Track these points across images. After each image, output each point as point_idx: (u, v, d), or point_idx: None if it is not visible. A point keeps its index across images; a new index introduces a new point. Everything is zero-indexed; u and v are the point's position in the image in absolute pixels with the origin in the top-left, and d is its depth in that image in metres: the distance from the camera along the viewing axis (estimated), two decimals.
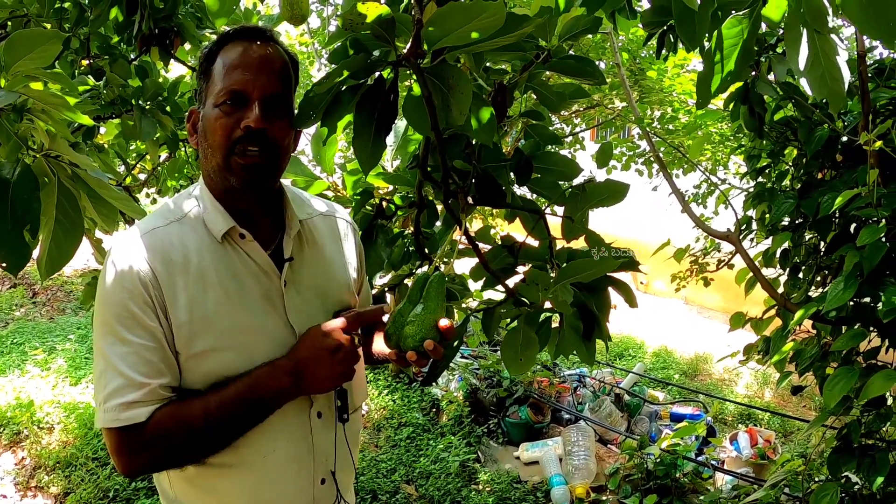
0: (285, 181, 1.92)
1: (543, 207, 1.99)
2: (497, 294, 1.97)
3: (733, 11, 1.57)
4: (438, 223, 2.16)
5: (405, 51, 1.45)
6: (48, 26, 3.21)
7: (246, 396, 1.64)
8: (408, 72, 1.55)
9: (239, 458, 1.73)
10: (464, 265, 2.10)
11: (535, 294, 1.83)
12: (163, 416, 1.62)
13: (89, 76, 3.39)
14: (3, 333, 8.65)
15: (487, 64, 1.99)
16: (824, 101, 1.54)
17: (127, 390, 1.60)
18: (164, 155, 4.33)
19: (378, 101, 1.59)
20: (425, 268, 2.20)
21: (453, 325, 1.67)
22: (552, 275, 1.85)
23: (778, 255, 3.70)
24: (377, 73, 1.57)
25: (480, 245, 1.97)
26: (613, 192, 1.90)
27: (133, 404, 1.60)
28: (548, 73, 2.03)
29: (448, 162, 1.81)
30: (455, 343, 1.91)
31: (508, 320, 1.95)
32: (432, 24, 1.36)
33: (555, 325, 1.96)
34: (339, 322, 1.70)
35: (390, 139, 2.14)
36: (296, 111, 1.68)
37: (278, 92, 1.69)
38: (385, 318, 1.81)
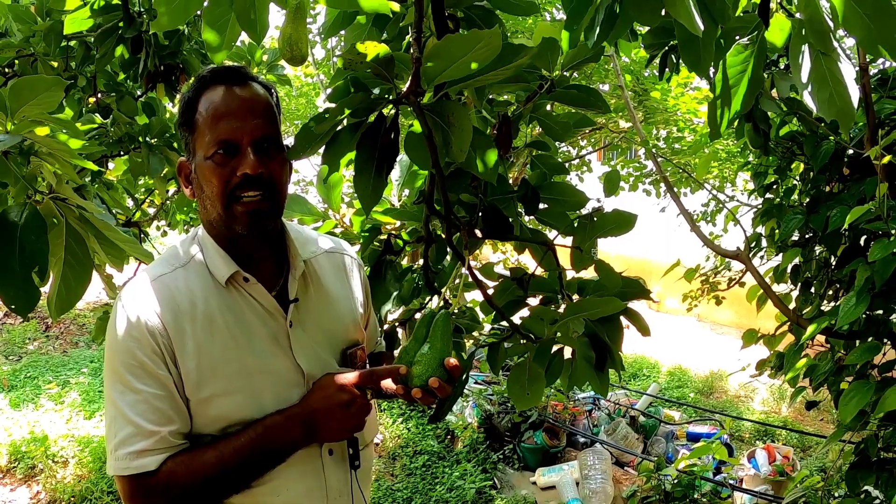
0: (290, 221, 1.92)
1: (552, 238, 1.99)
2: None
3: (737, 38, 1.57)
4: (447, 257, 2.16)
5: (405, 88, 1.45)
6: (55, 65, 3.24)
7: (259, 445, 1.65)
8: (409, 109, 1.55)
9: (253, 498, 1.72)
10: (476, 293, 2.10)
11: (541, 329, 1.82)
12: (176, 466, 1.62)
13: (96, 114, 3.42)
14: (16, 367, 8.68)
15: (491, 96, 1.99)
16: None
17: (137, 438, 1.61)
18: (172, 189, 4.35)
19: (379, 139, 1.59)
20: (433, 303, 2.19)
21: (460, 363, 1.67)
22: (561, 308, 1.84)
23: (788, 270, 3.70)
24: (377, 112, 1.57)
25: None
26: (622, 223, 1.90)
27: (143, 453, 1.60)
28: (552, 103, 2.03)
29: (452, 196, 1.81)
30: (464, 378, 1.90)
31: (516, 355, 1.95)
32: (431, 57, 1.36)
33: (567, 355, 1.95)
34: (352, 377, 1.70)
35: (396, 174, 2.14)
36: (287, 138, 1.70)
37: (267, 133, 1.68)
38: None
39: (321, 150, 1.62)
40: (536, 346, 1.87)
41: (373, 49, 1.36)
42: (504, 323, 1.97)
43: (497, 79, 1.46)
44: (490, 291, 1.92)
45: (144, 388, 1.62)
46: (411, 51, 1.41)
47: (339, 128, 1.57)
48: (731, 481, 5.60)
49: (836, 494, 3.86)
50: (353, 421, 1.70)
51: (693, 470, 5.36)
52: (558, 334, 1.83)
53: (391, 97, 1.53)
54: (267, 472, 1.70)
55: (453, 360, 1.65)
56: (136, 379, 1.62)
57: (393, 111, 1.58)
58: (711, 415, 7.49)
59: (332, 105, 1.50)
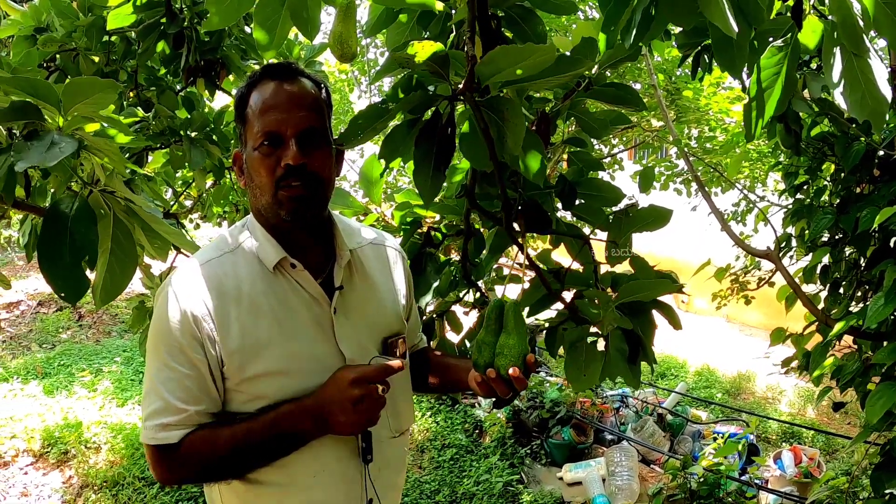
0: (335, 211, 1.97)
1: (588, 233, 2.03)
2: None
3: (771, 39, 1.60)
4: (484, 251, 2.20)
5: (461, 85, 1.50)
6: (96, 59, 3.30)
7: (270, 431, 1.71)
8: (459, 106, 1.60)
9: (289, 476, 1.79)
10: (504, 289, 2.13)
11: (596, 312, 1.86)
12: (196, 439, 1.72)
13: (137, 107, 3.48)
14: (50, 355, 8.82)
15: (530, 93, 2.03)
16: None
17: (165, 413, 1.71)
18: (209, 182, 4.41)
19: (436, 135, 1.64)
20: (469, 296, 2.23)
21: (536, 357, 1.72)
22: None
23: (818, 271, 3.70)
24: (433, 108, 1.62)
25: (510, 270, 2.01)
26: (657, 217, 1.94)
27: (168, 426, 1.71)
28: (589, 100, 2.07)
29: (492, 191, 1.85)
30: None
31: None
32: (484, 64, 1.41)
33: (600, 348, 1.99)
34: (366, 371, 1.72)
35: None
36: (334, 132, 1.75)
37: (311, 126, 1.74)
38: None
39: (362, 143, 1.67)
40: (591, 326, 1.91)
41: (429, 48, 1.41)
42: (535, 318, 2.01)
43: (550, 85, 1.51)
44: (526, 286, 1.96)
45: (178, 367, 1.71)
46: (465, 49, 1.46)
47: (397, 123, 1.63)
48: (757, 481, 5.60)
49: (861, 497, 3.87)
50: (364, 416, 1.71)
51: (719, 469, 5.36)
52: (612, 315, 1.87)
53: (447, 94, 1.58)
54: (281, 457, 1.75)
55: (532, 356, 1.71)
56: (171, 359, 1.72)
57: (449, 108, 1.63)
58: (738, 415, 7.47)
59: (378, 101, 1.56)
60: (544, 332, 2.05)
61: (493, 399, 1.82)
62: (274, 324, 1.76)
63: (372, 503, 1.90)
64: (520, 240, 1.89)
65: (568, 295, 2.02)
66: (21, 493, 5.63)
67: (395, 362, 1.76)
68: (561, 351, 2.03)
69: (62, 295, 1.62)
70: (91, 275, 1.71)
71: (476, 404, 7.34)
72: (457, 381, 2.03)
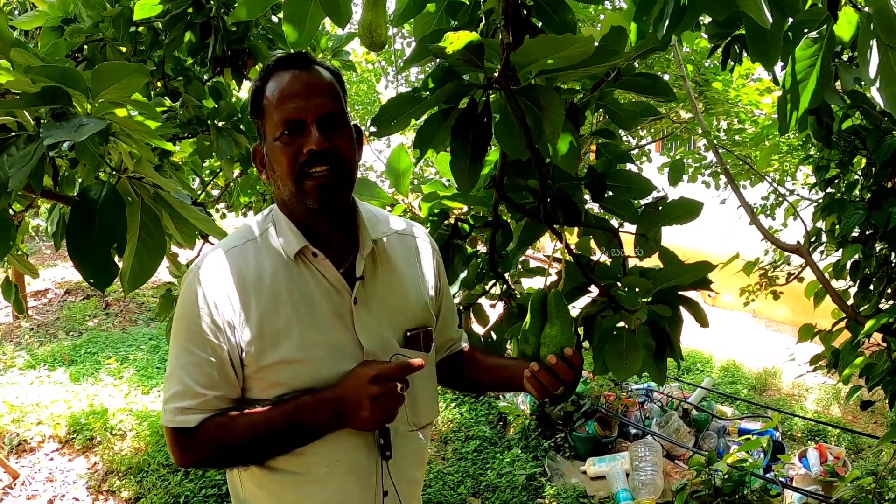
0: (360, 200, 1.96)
1: (617, 226, 2.01)
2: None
3: (805, 31, 1.57)
4: (512, 243, 2.19)
5: (496, 74, 1.49)
6: (123, 50, 3.31)
7: (288, 422, 1.72)
8: (492, 95, 1.59)
9: (304, 466, 1.80)
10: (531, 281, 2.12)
11: (633, 300, 1.85)
12: (213, 425, 1.74)
13: (165, 97, 3.49)
14: (77, 343, 8.91)
15: (558, 83, 2.01)
16: None
17: (184, 397, 1.73)
18: (236, 171, 4.42)
19: (472, 124, 1.63)
20: (496, 288, 2.22)
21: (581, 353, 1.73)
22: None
23: (848, 266, 3.66)
24: (469, 97, 1.61)
25: (539, 262, 2.00)
26: (687, 210, 1.92)
27: (186, 410, 1.73)
28: (617, 90, 2.05)
29: (521, 182, 1.84)
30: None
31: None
32: (520, 53, 1.40)
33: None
34: (386, 368, 1.73)
35: None
36: (361, 123, 1.75)
37: (331, 110, 1.73)
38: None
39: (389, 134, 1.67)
40: (632, 315, 1.90)
41: (464, 37, 1.40)
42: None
43: (586, 74, 1.50)
44: (553, 278, 1.95)
45: (199, 352, 1.73)
46: (500, 37, 1.45)
47: (430, 113, 1.62)
48: (782, 479, 5.55)
49: (888, 497, 3.82)
50: (381, 413, 1.72)
51: (743, 466, 5.32)
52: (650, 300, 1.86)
53: (482, 83, 1.57)
54: (298, 447, 1.77)
55: (569, 350, 1.72)
56: (192, 344, 1.73)
57: (484, 97, 1.62)
58: (764, 411, 7.42)
59: (420, 91, 1.55)
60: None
61: (547, 398, 1.82)
62: (293, 312, 1.76)
63: (387, 496, 1.89)
64: (558, 228, 1.87)
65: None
66: (46, 479, 5.69)
67: (417, 360, 1.76)
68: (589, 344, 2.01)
69: (91, 281, 1.64)
70: (119, 262, 1.72)
71: (500, 396, 7.33)
72: (510, 380, 2.00)
